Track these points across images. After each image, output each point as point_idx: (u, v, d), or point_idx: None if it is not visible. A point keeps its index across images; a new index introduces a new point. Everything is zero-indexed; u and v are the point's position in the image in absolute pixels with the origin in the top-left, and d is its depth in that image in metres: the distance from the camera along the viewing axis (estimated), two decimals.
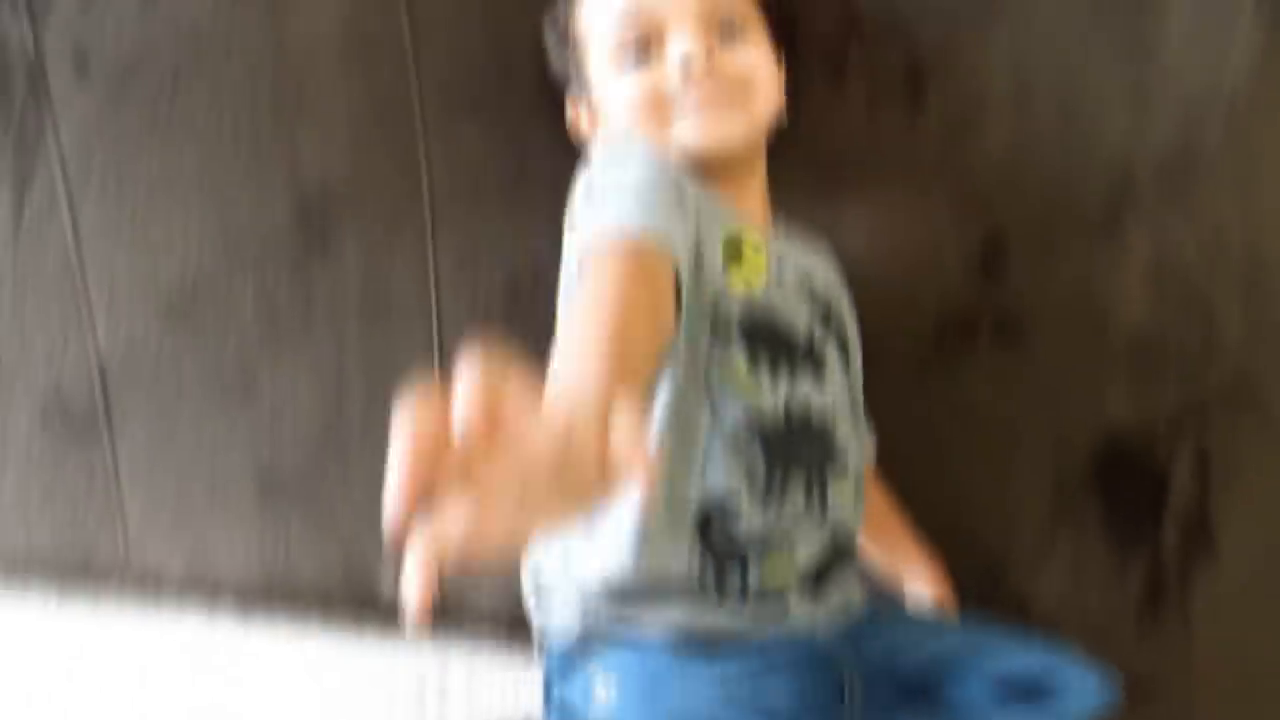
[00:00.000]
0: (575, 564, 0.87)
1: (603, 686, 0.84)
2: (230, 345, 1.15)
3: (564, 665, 0.88)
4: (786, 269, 0.91)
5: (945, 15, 0.99)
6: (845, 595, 0.92)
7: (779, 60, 0.96)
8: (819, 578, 0.89)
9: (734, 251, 0.86)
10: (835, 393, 0.91)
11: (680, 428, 0.83)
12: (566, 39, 0.96)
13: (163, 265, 1.12)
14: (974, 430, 1.10)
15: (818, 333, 0.91)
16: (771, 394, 0.85)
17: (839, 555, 0.91)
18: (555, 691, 0.89)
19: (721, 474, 0.84)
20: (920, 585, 1.08)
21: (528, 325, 1.05)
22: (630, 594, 0.84)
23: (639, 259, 0.72)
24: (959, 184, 1.04)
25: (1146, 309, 1.05)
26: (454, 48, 1.02)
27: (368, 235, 1.09)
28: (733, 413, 0.84)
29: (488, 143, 1.04)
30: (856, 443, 0.94)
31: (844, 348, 0.94)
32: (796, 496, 0.86)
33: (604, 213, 0.76)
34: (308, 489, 1.19)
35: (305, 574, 1.23)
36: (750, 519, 0.84)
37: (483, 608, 1.20)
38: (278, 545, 1.22)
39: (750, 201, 0.94)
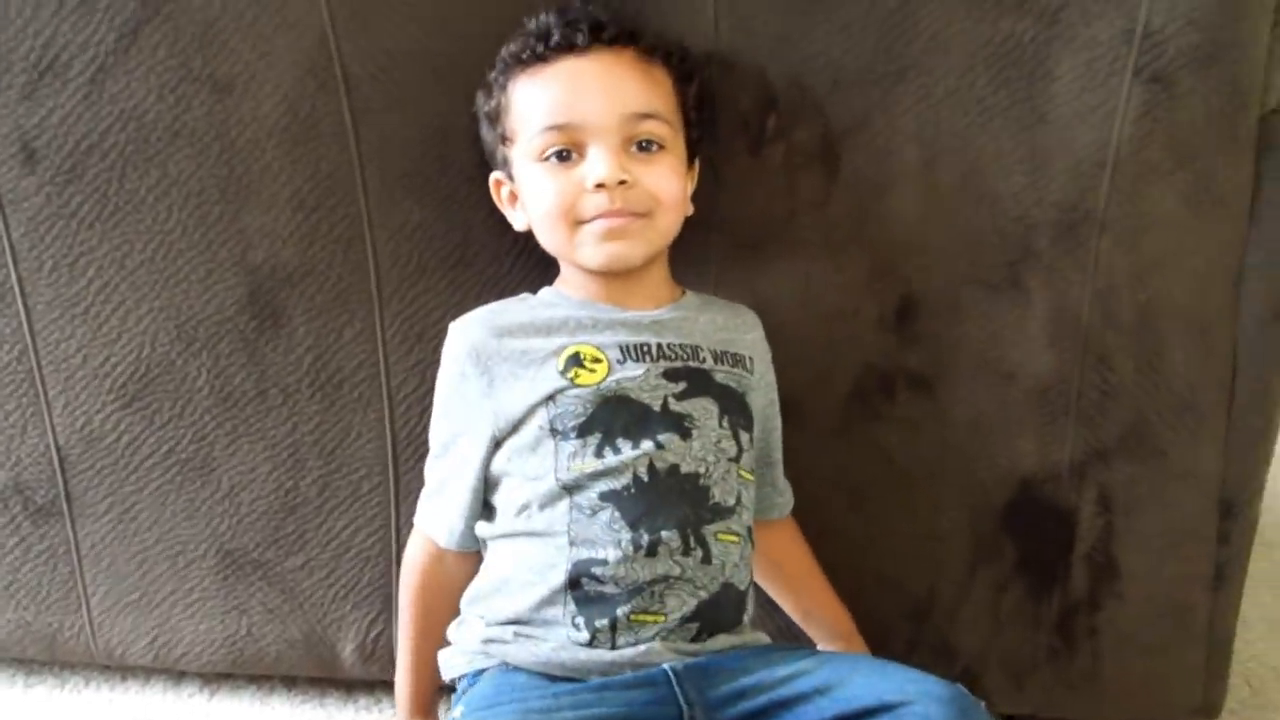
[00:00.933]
0: (471, 603, 0.83)
1: (460, 706, 0.77)
2: (186, 426, 0.96)
3: (455, 700, 0.81)
4: (648, 350, 0.81)
5: (855, 88, 0.85)
6: (738, 642, 0.79)
7: (696, 155, 0.86)
8: (702, 628, 0.78)
9: (574, 363, 0.79)
10: (709, 449, 0.79)
11: (538, 517, 0.78)
12: (495, 124, 0.83)
13: (117, 350, 0.94)
14: (894, 480, 0.95)
15: (677, 396, 0.80)
16: (628, 462, 0.77)
17: (727, 605, 0.78)
18: None
19: (586, 544, 0.77)
20: (832, 637, 0.94)
21: None
22: (506, 628, 0.78)
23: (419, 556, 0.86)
24: (873, 247, 0.89)
25: (1048, 361, 0.91)
26: (393, 129, 0.87)
27: (317, 313, 0.92)
28: (588, 493, 0.77)
29: (430, 220, 0.89)
30: (749, 495, 0.82)
31: (729, 407, 0.82)
32: (669, 552, 0.76)
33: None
34: (267, 564, 1.00)
35: (268, 649, 1.03)
36: (618, 579, 0.76)
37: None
38: (240, 621, 1.02)
39: (643, 290, 0.84)
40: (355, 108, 0.86)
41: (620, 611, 0.76)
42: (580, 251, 0.80)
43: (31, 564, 1.01)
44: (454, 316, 0.90)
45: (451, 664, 0.83)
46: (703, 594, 0.77)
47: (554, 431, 0.78)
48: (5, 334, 0.94)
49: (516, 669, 0.77)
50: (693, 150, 0.85)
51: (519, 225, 0.85)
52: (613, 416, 0.78)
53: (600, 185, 0.78)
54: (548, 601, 0.77)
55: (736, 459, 0.81)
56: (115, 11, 0.84)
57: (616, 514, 0.76)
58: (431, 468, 0.86)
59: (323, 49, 0.84)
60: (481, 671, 0.79)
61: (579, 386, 0.78)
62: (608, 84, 0.79)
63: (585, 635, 0.76)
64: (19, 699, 1.09)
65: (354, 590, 1.00)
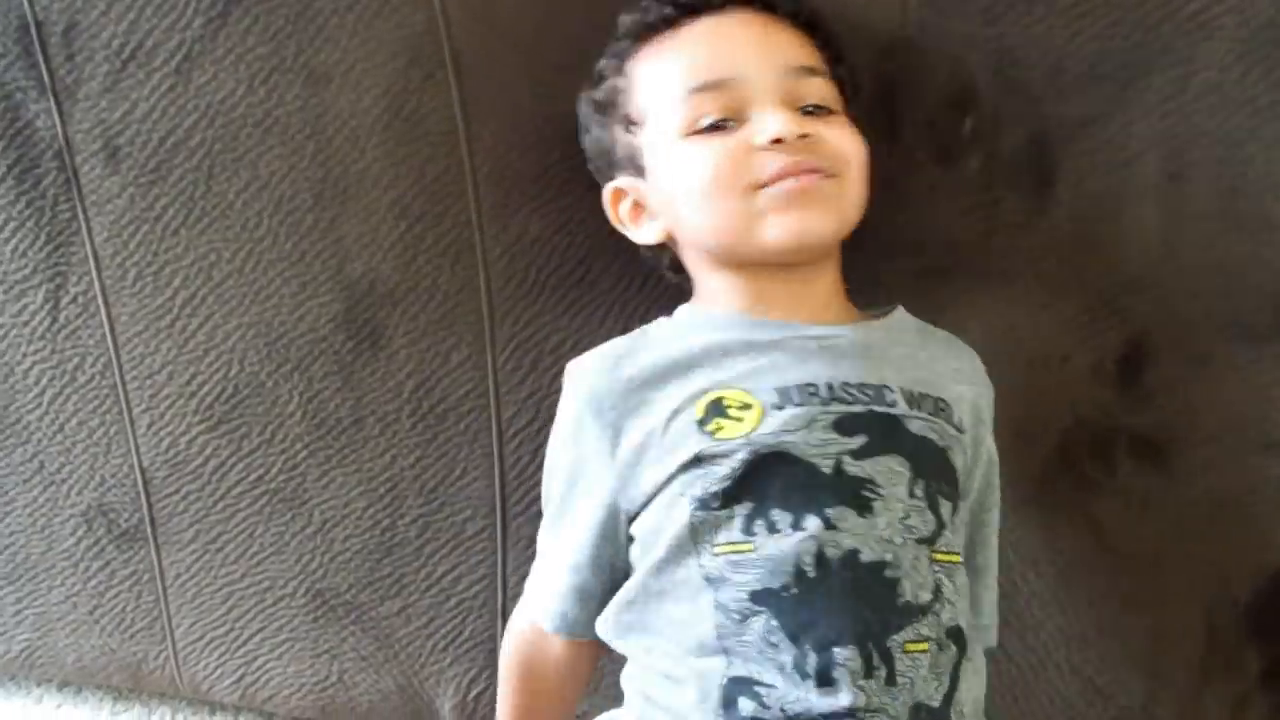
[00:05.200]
0: None
1: None
2: (276, 453, 0.95)
3: None
4: (814, 391, 0.69)
5: (1081, 82, 0.75)
6: None
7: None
8: None
9: (715, 412, 0.69)
10: (895, 528, 0.67)
11: (678, 618, 0.68)
12: (609, 114, 0.75)
13: (203, 368, 0.94)
14: (1109, 564, 0.86)
15: (855, 454, 0.68)
16: (783, 553, 0.65)
17: None
18: None
19: (744, 658, 0.65)
20: None
21: None
22: None
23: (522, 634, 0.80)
24: (1093, 280, 0.80)
25: None
26: (510, 124, 0.83)
27: (420, 334, 0.90)
28: (733, 589, 0.65)
29: (549, 233, 0.85)
30: (956, 584, 0.69)
31: (925, 468, 0.69)
32: (849, 677, 0.63)
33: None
34: (361, 607, 0.99)
35: (360, 699, 1.03)
36: (787, 709, 0.63)
37: None
38: (331, 666, 1.02)
39: (813, 296, 0.74)
40: (467, 102, 0.82)
41: None
42: (761, 226, 0.69)
43: (116, 589, 1.03)
44: (572, 341, 0.88)
45: None
46: None
47: (695, 502, 0.68)
48: (89, 345, 0.95)
49: None
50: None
51: (649, 237, 0.77)
52: (767, 480, 0.67)
53: (778, 140, 0.68)
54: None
55: (930, 540, 0.69)
56: None
57: (773, 623, 0.65)
58: (541, 534, 0.79)
59: (431, 33, 0.80)
60: None
61: (722, 440, 0.68)
62: (761, 35, 0.72)
63: None
64: None
65: (455, 643, 0.98)
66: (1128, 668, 0.87)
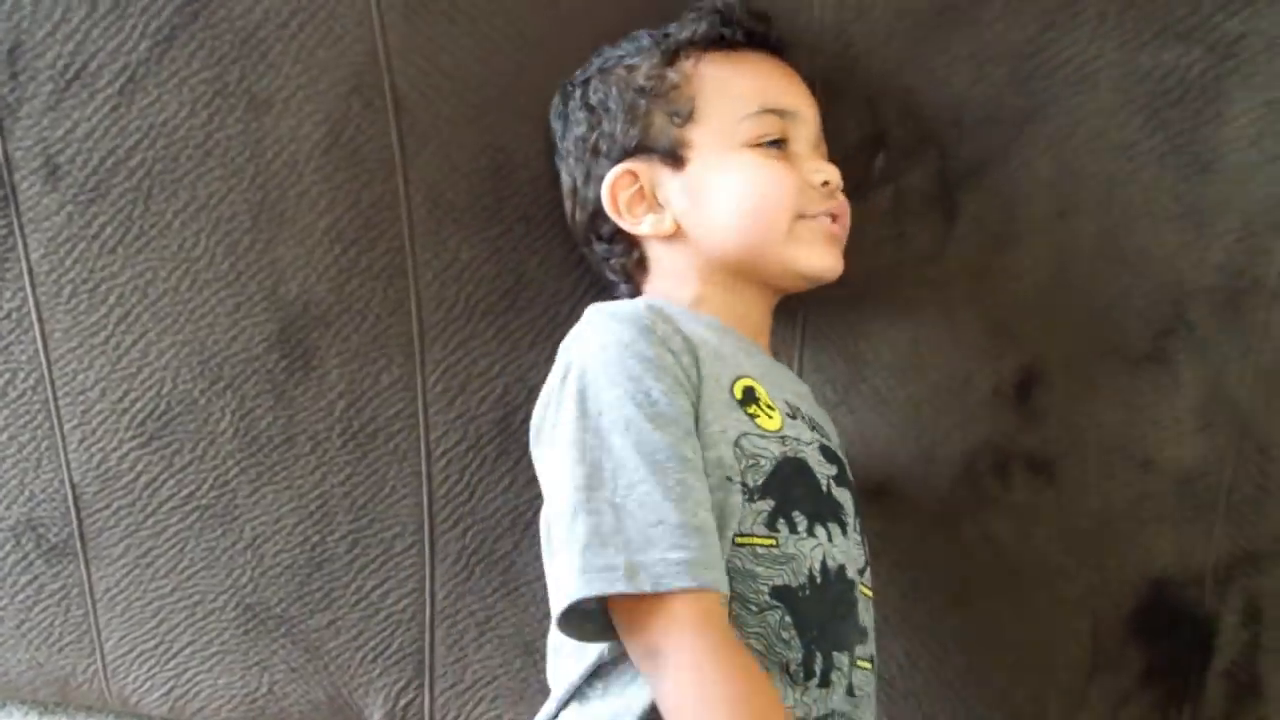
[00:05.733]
0: None
1: None
2: (208, 470, 0.94)
3: None
4: (802, 415, 0.73)
5: (980, 126, 0.80)
6: None
7: None
8: None
9: (751, 399, 0.69)
10: (855, 548, 0.71)
11: None
12: (655, 101, 0.74)
13: (137, 384, 0.93)
14: (1004, 575, 0.90)
15: (835, 480, 0.71)
16: (802, 554, 0.66)
17: None
18: None
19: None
20: None
21: (519, 451, 0.90)
22: None
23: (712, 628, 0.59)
24: (992, 309, 0.84)
25: (1196, 448, 0.84)
26: (446, 154, 0.84)
27: (352, 356, 0.90)
28: (755, 582, 0.64)
29: (480, 260, 0.86)
30: (871, 621, 0.73)
31: (857, 508, 0.74)
32: (842, 681, 0.66)
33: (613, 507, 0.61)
34: (291, 621, 0.99)
35: (290, 709, 1.02)
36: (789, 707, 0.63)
37: None
38: (261, 678, 1.01)
39: (767, 334, 0.78)
40: (404, 132, 0.83)
41: None
42: (797, 250, 0.73)
43: (44, 604, 1.01)
44: (500, 366, 0.88)
45: None
46: None
47: (745, 490, 0.65)
48: (21, 361, 0.93)
49: None
50: None
51: (645, 228, 0.75)
52: (791, 482, 0.67)
53: (826, 183, 0.74)
54: None
55: (862, 572, 0.72)
56: (150, 17, 0.82)
57: (788, 619, 0.64)
58: (652, 494, 0.61)
59: (372, 65, 0.82)
60: None
61: (763, 430, 0.68)
62: (801, 85, 0.77)
63: None
64: None
65: (383, 654, 0.98)
66: (1019, 670, 0.91)
